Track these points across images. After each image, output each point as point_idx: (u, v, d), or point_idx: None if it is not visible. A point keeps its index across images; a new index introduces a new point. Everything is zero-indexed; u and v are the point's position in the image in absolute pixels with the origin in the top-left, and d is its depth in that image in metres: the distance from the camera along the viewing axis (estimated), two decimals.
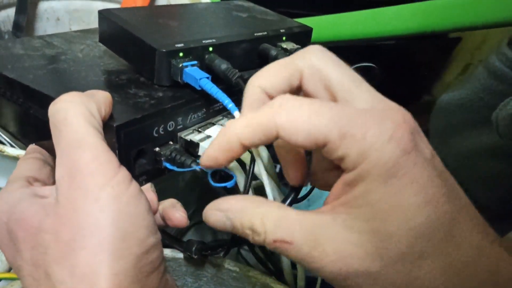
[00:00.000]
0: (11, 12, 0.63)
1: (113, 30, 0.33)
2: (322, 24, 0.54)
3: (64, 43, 0.39)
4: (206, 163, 0.22)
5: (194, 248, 0.33)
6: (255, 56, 0.35)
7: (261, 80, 0.22)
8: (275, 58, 0.34)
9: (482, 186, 0.53)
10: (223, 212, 0.21)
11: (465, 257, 0.18)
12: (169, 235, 0.35)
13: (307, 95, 0.22)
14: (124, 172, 0.21)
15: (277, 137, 0.20)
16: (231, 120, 0.22)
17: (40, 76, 0.31)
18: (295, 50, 0.35)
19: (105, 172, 0.20)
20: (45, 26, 0.67)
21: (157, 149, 0.29)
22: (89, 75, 0.32)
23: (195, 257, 0.33)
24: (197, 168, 0.27)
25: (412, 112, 0.20)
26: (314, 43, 0.35)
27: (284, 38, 0.36)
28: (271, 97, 0.22)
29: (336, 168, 0.20)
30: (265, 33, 0.35)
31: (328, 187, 0.23)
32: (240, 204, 0.21)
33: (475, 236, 0.19)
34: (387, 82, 0.77)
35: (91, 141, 0.20)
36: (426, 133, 0.20)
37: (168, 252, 0.36)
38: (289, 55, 0.34)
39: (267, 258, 0.37)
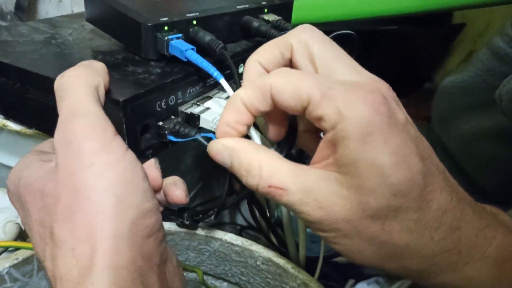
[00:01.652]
0: None
1: (100, 8, 0.33)
2: (325, 4, 0.53)
3: (51, 28, 0.40)
4: (221, 131, 0.24)
5: (185, 214, 0.34)
6: (238, 28, 0.36)
7: (258, 56, 0.25)
8: (257, 29, 0.35)
9: (483, 170, 0.53)
10: (226, 148, 0.23)
11: (432, 215, 0.21)
12: (167, 208, 0.36)
13: (295, 68, 0.25)
14: (119, 140, 0.21)
15: (271, 100, 0.22)
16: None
17: (36, 60, 0.32)
18: (277, 21, 0.36)
19: (100, 138, 0.21)
20: (47, 8, 0.67)
21: (160, 123, 0.29)
22: (84, 56, 0.33)
23: (187, 223, 0.34)
24: (199, 137, 0.27)
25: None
26: (317, 23, 0.35)
27: (265, 10, 0.37)
28: (268, 71, 0.25)
29: (318, 131, 0.24)
30: (247, 5, 0.36)
31: (311, 150, 0.26)
32: (242, 145, 0.23)
33: (442, 196, 0.21)
34: (390, 68, 0.77)
35: (89, 110, 0.21)
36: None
37: (171, 226, 0.36)
38: (271, 26, 0.35)
39: (271, 231, 0.38)
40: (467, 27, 0.80)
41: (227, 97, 0.33)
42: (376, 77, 0.23)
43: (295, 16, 0.56)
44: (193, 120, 0.31)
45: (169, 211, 0.35)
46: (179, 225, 0.35)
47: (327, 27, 0.57)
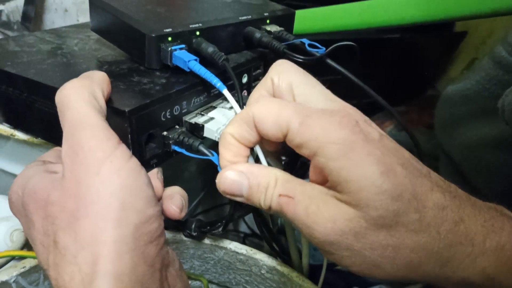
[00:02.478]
0: (20, 3, 0.63)
1: (105, 18, 0.34)
2: (327, 14, 0.54)
3: (57, 38, 0.40)
4: (223, 166, 0.25)
5: (193, 226, 0.34)
6: (241, 39, 0.36)
7: (231, 131, 0.25)
8: (259, 40, 0.35)
9: (486, 177, 0.53)
10: (242, 172, 0.24)
11: (431, 213, 0.21)
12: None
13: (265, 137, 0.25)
14: (123, 148, 0.22)
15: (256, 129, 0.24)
16: None
17: (42, 70, 0.32)
18: (279, 32, 0.36)
19: (105, 148, 0.22)
20: (53, 17, 0.68)
21: (165, 133, 0.30)
22: (90, 66, 0.34)
23: (195, 234, 0.34)
24: (214, 159, 0.27)
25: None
26: (320, 34, 0.35)
27: (268, 21, 0.38)
28: (243, 144, 0.25)
29: None
30: (250, 16, 0.36)
31: None
32: (256, 168, 0.24)
33: (435, 195, 0.22)
34: (392, 76, 0.77)
35: (91, 121, 0.22)
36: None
37: (175, 235, 0.36)
38: (273, 37, 0.35)
39: (274, 239, 0.38)
40: (469, 35, 0.80)
41: (231, 107, 0.33)
42: (347, 104, 0.25)
43: (298, 26, 0.57)
44: (197, 130, 0.31)
45: (177, 221, 0.35)
46: (186, 236, 0.35)
47: (331, 36, 0.58)
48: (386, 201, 0.20)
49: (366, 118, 0.24)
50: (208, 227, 0.34)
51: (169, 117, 0.30)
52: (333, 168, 0.21)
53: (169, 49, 0.30)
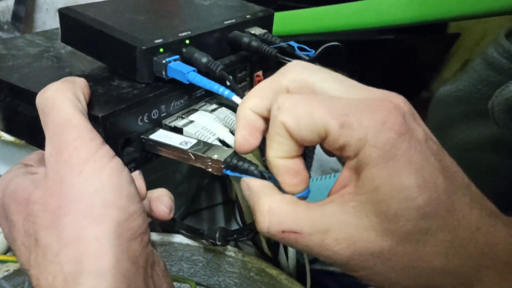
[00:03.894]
0: (10, 2, 0.63)
1: (80, 30, 0.31)
2: (320, 15, 0.54)
3: (46, 40, 0.40)
4: (242, 148, 0.23)
5: (217, 235, 0.33)
6: (226, 44, 0.35)
7: (251, 103, 0.23)
8: (248, 45, 0.34)
9: (479, 178, 0.53)
10: (248, 187, 0.23)
11: (466, 232, 0.20)
12: (188, 226, 0.36)
13: None
14: (106, 148, 0.22)
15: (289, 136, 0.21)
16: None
17: (26, 75, 0.31)
18: (264, 35, 0.35)
19: (88, 148, 0.22)
20: (44, 17, 0.67)
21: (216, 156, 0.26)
22: (73, 70, 0.33)
23: (219, 244, 0.33)
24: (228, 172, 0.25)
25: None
26: (312, 35, 0.35)
27: (250, 24, 0.37)
28: (263, 117, 0.23)
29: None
30: (234, 20, 0.35)
31: None
32: (256, 188, 0.22)
33: (473, 212, 0.20)
34: (386, 77, 0.77)
35: (76, 122, 0.22)
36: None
37: (164, 236, 0.36)
38: (260, 40, 0.35)
39: (268, 245, 0.37)
40: (462, 36, 0.80)
41: (214, 109, 0.33)
42: (384, 91, 0.21)
43: (291, 27, 0.57)
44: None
45: (195, 231, 0.35)
46: (210, 245, 0.34)
47: (324, 37, 0.58)
48: (417, 217, 0.19)
49: (411, 106, 0.21)
50: (235, 235, 0.33)
51: (146, 121, 0.30)
52: (369, 173, 0.19)
53: (164, 61, 0.29)
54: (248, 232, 0.32)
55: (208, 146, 0.26)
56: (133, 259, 0.21)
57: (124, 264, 0.21)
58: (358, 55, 0.73)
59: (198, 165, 0.26)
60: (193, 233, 0.35)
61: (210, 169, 0.24)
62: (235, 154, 0.24)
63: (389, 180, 0.19)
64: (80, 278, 0.20)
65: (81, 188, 0.21)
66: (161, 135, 0.28)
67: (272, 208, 0.21)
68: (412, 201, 0.18)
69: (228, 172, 0.25)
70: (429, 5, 0.44)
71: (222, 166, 0.24)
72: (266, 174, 0.23)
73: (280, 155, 0.21)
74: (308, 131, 0.20)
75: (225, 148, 0.24)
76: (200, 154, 0.25)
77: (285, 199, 0.21)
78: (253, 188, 0.22)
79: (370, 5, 0.49)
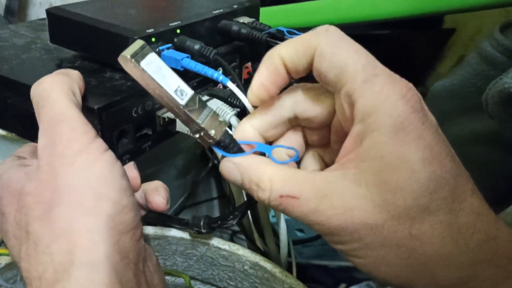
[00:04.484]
0: None
1: (71, 28, 0.31)
2: (314, 9, 0.53)
3: (32, 31, 0.39)
4: (255, 93, 0.23)
5: (202, 223, 0.33)
6: (217, 34, 0.36)
7: (283, 50, 0.22)
8: (238, 33, 0.34)
9: (474, 172, 0.53)
10: (235, 165, 0.22)
11: (466, 218, 0.19)
12: (169, 216, 0.36)
13: (318, 73, 0.22)
14: (99, 142, 0.22)
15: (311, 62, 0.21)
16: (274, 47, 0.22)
17: (15, 66, 0.31)
18: (253, 23, 0.36)
19: (81, 140, 0.22)
20: (37, 12, 0.67)
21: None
22: (63, 62, 0.33)
23: (204, 231, 0.33)
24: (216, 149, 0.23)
25: None
26: (307, 28, 0.35)
27: (238, 13, 0.37)
28: (287, 70, 0.22)
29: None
30: (222, 10, 0.36)
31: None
32: (250, 161, 0.22)
33: (475, 200, 0.19)
34: None
35: (70, 115, 0.22)
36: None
37: (157, 230, 0.36)
38: (250, 28, 0.35)
39: (260, 236, 0.37)
40: (458, 31, 0.80)
41: (206, 101, 0.33)
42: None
43: (285, 21, 0.56)
44: (170, 124, 0.31)
45: (179, 221, 0.35)
46: (195, 233, 0.34)
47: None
48: (418, 191, 0.18)
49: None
50: (219, 222, 0.33)
51: (141, 112, 0.30)
52: (376, 139, 0.19)
53: (157, 50, 0.29)
54: (232, 218, 0.32)
55: (202, 105, 0.22)
56: (124, 253, 0.21)
57: (115, 258, 0.21)
58: None
59: (184, 124, 0.22)
60: (178, 224, 0.35)
61: (196, 136, 0.22)
62: (228, 133, 0.23)
63: (395, 150, 0.18)
64: (71, 269, 0.20)
65: (73, 180, 0.21)
66: (153, 65, 0.21)
67: (273, 173, 0.21)
68: (415, 173, 0.18)
69: (216, 149, 0.24)
70: None
71: (213, 142, 0.23)
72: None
73: (285, 58, 0.21)
74: (333, 69, 0.20)
75: (220, 119, 0.22)
76: (196, 120, 0.22)
77: (284, 167, 0.21)
78: (242, 163, 0.22)
79: None
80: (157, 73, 0.21)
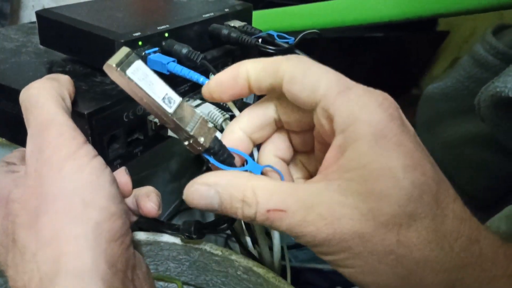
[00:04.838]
0: None
1: (59, 31, 0.31)
2: (308, 12, 0.54)
3: (22, 35, 0.39)
4: (210, 89, 0.23)
5: (193, 228, 0.32)
6: (207, 37, 0.36)
7: (250, 65, 0.23)
8: (228, 36, 0.35)
9: (467, 174, 0.53)
10: (211, 186, 0.21)
11: (450, 223, 0.19)
12: (161, 222, 0.35)
13: (291, 95, 0.22)
14: (87, 148, 0.22)
15: (279, 86, 0.21)
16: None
17: (5, 71, 0.31)
18: (243, 27, 0.36)
19: (69, 146, 0.21)
20: (30, 15, 0.66)
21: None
22: (53, 66, 0.33)
23: (195, 237, 0.32)
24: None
25: (400, 105, 0.21)
26: (301, 31, 0.35)
27: (229, 17, 0.37)
28: (249, 84, 0.23)
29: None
30: (212, 14, 0.36)
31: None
32: (230, 177, 0.21)
33: (457, 206, 0.20)
34: (376, 74, 0.78)
35: (59, 121, 0.22)
36: (413, 125, 0.21)
37: (149, 236, 0.35)
38: (239, 31, 0.35)
39: (254, 242, 0.37)
40: (452, 34, 0.81)
41: (198, 105, 0.32)
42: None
43: (278, 24, 0.57)
44: (161, 129, 0.31)
45: (170, 226, 0.34)
46: (186, 238, 0.34)
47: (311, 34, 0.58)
48: (403, 198, 0.18)
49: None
50: (210, 228, 0.33)
51: (132, 117, 0.29)
52: (358, 149, 0.19)
53: (143, 53, 0.29)
54: (223, 223, 0.32)
55: (191, 111, 0.22)
56: (112, 261, 0.21)
57: (102, 266, 0.20)
58: (348, 52, 0.73)
59: (173, 133, 0.22)
60: (169, 229, 0.34)
61: (186, 143, 0.22)
62: (217, 140, 0.23)
63: (377, 158, 0.18)
64: (57, 278, 0.19)
65: (60, 187, 0.21)
66: (139, 73, 0.20)
67: (257, 187, 0.20)
68: (399, 181, 0.18)
69: (205, 156, 0.23)
70: (417, 1, 0.44)
71: (202, 149, 0.22)
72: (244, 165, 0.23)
73: (251, 73, 0.22)
74: (306, 89, 0.20)
75: (209, 125, 0.22)
76: (185, 128, 0.21)
77: (265, 179, 0.21)
78: (220, 181, 0.21)
79: (359, 2, 0.49)
80: (144, 81, 0.20)
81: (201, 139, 0.21)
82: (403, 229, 0.19)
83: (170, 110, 0.21)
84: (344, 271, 0.20)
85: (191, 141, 0.22)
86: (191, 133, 0.21)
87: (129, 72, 0.19)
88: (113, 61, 0.19)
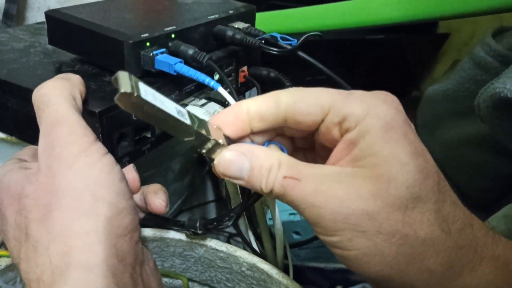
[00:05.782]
0: (1, 0, 0.63)
1: (68, 31, 0.32)
2: (309, 15, 0.54)
3: (30, 35, 0.40)
4: (216, 121, 0.23)
5: (198, 224, 0.33)
6: (212, 38, 0.36)
7: (251, 102, 0.23)
8: (232, 38, 0.35)
9: (467, 175, 0.54)
10: (243, 153, 0.22)
11: (448, 208, 0.21)
12: (166, 219, 0.36)
13: (296, 124, 0.24)
14: (98, 145, 0.23)
15: (282, 114, 0.23)
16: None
17: (15, 70, 0.32)
18: (247, 28, 0.36)
19: (80, 143, 0.22)
20: (36, 16, 0.67)
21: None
22: (63, 66, 0.33)
23: (200, 232, 0.33)
24: None
25: (402, 107, 0.23)
26: (304, 33, 0.36)
27: (234, 18, 0.38)
28: (251, 119, 0.24)
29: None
30: (217, 15, 0.36)
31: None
32: (258, 149, 0.23)
33: (452, 193, 0.22)
34: (377, 76, 0.78)
35: (70, 119, 0.23)
36: (414, 126, 0.23)
37: (156, 232, 0.36)
38: (243, 33, 0.36)
39: (257, 238, 0.38)
40: (452, 36, 0.81)
41: (203, 104, 0.33)
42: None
43: (283, 27, 0.57)
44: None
45: (175, 223, 0.35)
46: (191, 234, 0.34)
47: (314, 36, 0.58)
48: (409, 181, 0.20)
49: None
50: (215, 223, 0.33)
51: None
52: (369, 139, 0.20)
53: (151, 54, 0.30)
54: (228, 219, 0.33)
55: (196, 118, 0.22)
56: (121, 256, 0.22)
57: (112, 261, 0.21)
58: (349, 54, 0.74)
59: (191, 143, 0.22)
60: (174, 225, 0.35)
61: (204, 151, 0.22)
62: (227, 136, 0.23)
63: (386, 146, 0.20)
64: (68, 271, 0.20)
65: (71, 182, 0.21)
66: (149, 93, 0.19)
67: (281, 156, 0.22)
68: (406, 165, 0.20)
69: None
70: (418, 4, 0.45)
71: (221, 150, 0.22)
72: None
73: (252, 109, 0.23)
74: (311, 106, 0.22)
75: (214, 126, 0.23)
76: (207, 136, 0.21)
77: (288, 156, 0.22)
78: (254, 150, 0.22)
79: (360, 4, 0.49)
80: (157, 100, 0.19)
81: (220, 140, 0.22)
82: (409, 210, 0.20)
83: (189, 122, 0.20)
84: (349, 254, 0.21)
85: (211, 146, 0.22)
86: (212, 138, 0.21)
87: (144, 94, 0.18)
88: (124, 87, 0.18)
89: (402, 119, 0.21)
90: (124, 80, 0.18)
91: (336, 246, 0.21)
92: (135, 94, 0.18)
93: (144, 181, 0.32)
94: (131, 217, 0.22)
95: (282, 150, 0.25)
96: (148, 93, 0.18)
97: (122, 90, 0.17)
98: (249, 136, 0.25)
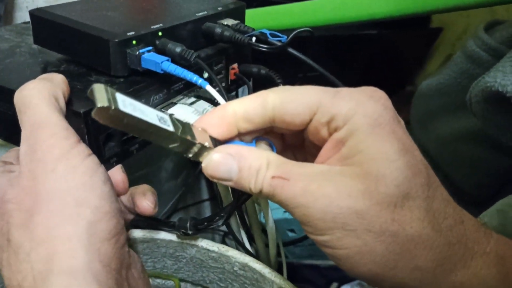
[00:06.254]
0: None
1: (53, 30, 0.31)
2: (302, 10, 0.54)
3: (16, 35, 0.39)
4: (201, 124, 0.23)
5: (188, 224, 0.33)
6: (200, 36, 0.36)
7: (236, 103, 0.23)
8: (221, 35, 0.35)
9: (461, 170, 0.54)
10: (232, 155, 0.22)
11: (438, 204, 0.21)
12: (157, 219, 0.36)
13: (284, 124, 0.23)
14: (81, 147, 0.22)
15: (269, 114, 0.22)
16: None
17: (0, 71, 0.31)
18: (237, 25, 0.36)
19: (62, 146, 0.21)
20: (24, 16, 0.66)
21: None
22: (48, 66, 0.33)
23: (191, 233, 0.33)
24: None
25: (395, 102, 0.22)
26: (294, 30, 0.36)
27: (223, 15, 0.37)
28: (237, 120, 0.23)
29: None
30: (206, 12, 0.36)
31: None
32: (247, 150, 0.22)
33: (443, 189, 0.21)
34: (371, 72, 0.78)
35: (52, 121, 0.22)
36: (408, 121, 0.22)
37: (146, 233, 0.36)
38: (233, 30, 0.35)
39: (249, 237, 0.37)
40: (445, 31, 0.81)
41: (192, 103, 0.33)
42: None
43: (275, 23, 0.57)
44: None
45: (166, 224, 0.35)
46: (181, 235, 0.34)
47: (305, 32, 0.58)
48: (398, 178, 0.20)
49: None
50: (205, 223, 0.33)
51: None
52: (357, 138, 0.20)
53: (137, 53, 0.29)
54: (218, 219, 0.32)
55: (180, 122, 0.21)
56: (106, 260, 0.21)
57: (96, 265, 0.20)
58: (342, 50, 0.74)
59: (176, 149, 0.21)
60: (165, 226, 0.34)
61: (190, 155, 0.22)
62: (213, 138, 0.23)
63: (373, 143, 0.20)
64: (50, 277, 0.20)
65: (53, 186, 0.21)
66: (127, 103, 0.18)
67: (269, 155, 0.22)
68: (394, 163, 0.20)
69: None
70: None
71: (208, 153, 0.22)
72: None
73: (239, 111, 0.22)
74: (300, 106, 0.22)
75: (199, 128, 0.22)
76: (192, 140, 0.21)
77: (276, 155, 0.22)
78: (242, 151, 0.22)
79: (350, 0, 0.49)
80: (137, 110, 0.18)
81: (206, 143, 0.21)
82: (398, 208, 0.20)
83: (172, 129, 0.20)
84: (339, 253, 0.20)
85: (196, 150, 0.21)
86: (197, 142, 0.21)
87: (122, 106, 0.17)
88: (101, 102, 0.17)
89: (390, 116, 0.21)
90: (100, 94, 0.17)
91: (327, 245, 0.21)
92: (113, 107, 0.17)
93: (137, 181, 0.32)
94: (115, 221, 0.22)
95: (271, 146, 0.25)
96: (127, 104, 0.18)
97: (99, 105, 0.17)
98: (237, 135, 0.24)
